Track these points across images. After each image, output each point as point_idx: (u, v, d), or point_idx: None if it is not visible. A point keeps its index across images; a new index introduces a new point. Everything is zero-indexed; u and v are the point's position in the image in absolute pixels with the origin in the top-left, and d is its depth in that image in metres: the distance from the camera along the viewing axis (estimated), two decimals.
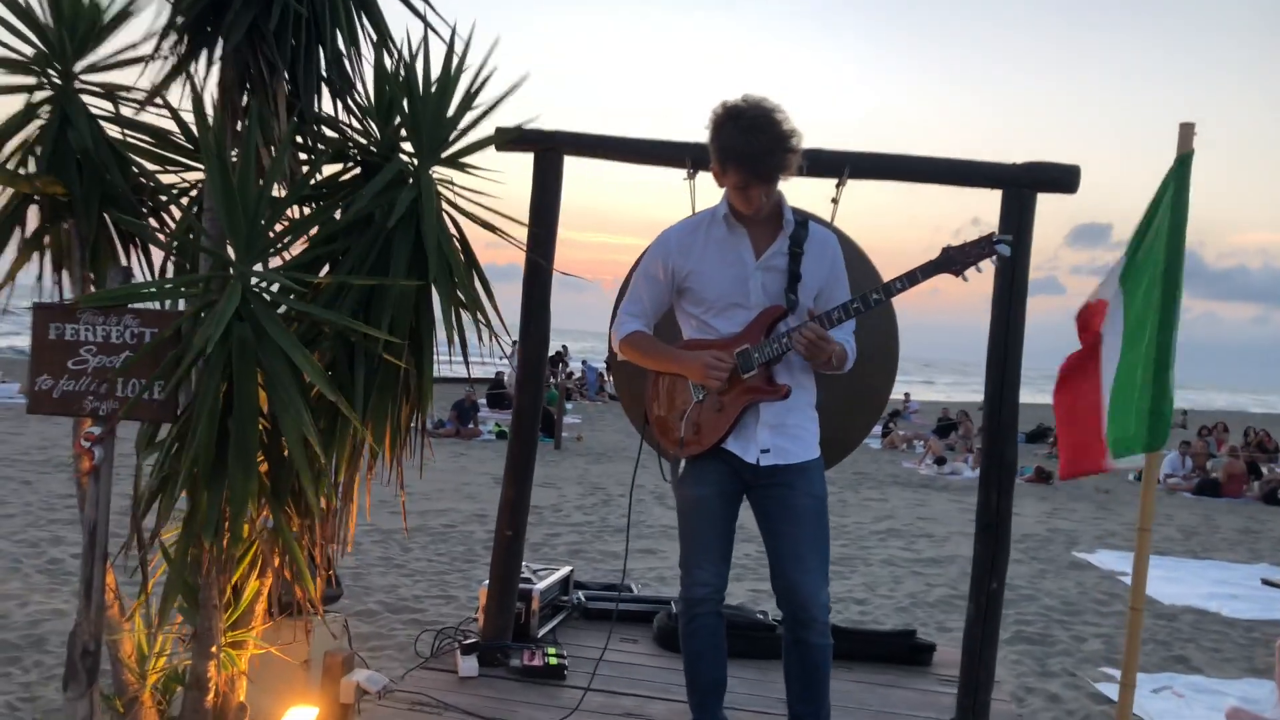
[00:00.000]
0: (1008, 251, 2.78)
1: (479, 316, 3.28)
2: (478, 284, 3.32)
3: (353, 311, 3.05)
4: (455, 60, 3.18)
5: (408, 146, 3.27)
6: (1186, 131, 3.45)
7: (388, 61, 3.34)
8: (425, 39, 3.20)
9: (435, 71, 3.24)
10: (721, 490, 2.93)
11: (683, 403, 2.95)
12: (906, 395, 26.36)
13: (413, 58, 3.20)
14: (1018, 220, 3.45)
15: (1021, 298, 3.48)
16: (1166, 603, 7.79)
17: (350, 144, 3.39)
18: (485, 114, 3.28)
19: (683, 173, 3.70)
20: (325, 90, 3.29)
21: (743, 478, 2.92)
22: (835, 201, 3.63)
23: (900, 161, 3.61)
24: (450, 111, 3.26)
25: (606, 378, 24.58)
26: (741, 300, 2.90)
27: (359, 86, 3.42)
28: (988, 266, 2.77)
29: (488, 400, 20.13)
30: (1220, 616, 7.53)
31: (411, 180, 3.21)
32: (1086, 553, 9.53)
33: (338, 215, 3.25)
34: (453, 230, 3.33)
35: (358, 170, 3.41)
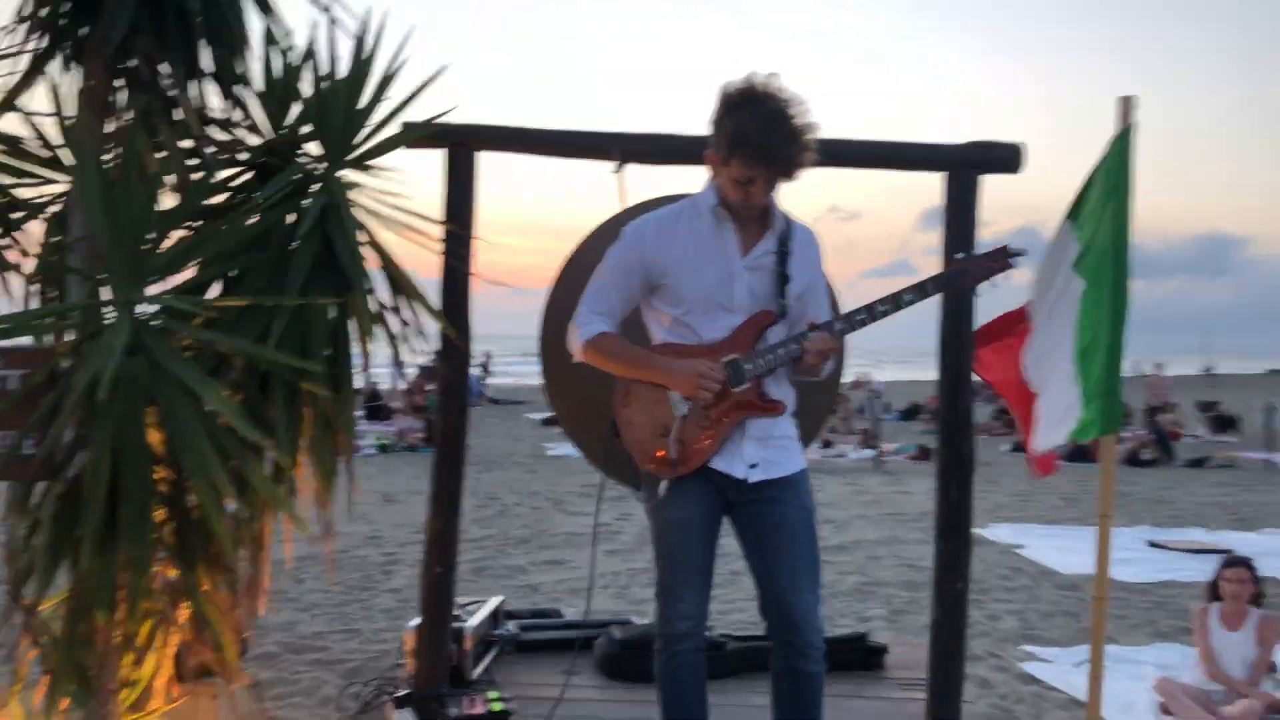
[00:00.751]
0: (1019, 266, 2.64)
1: (406, 326, 2.97)
2: (404, 294, 3.00)
3: (261, 336, 2.68)
4: (370, 45, 2.84)
5: (312, 149, 2.91)
6: (1126, 104, 3.36)
7: (280, 56, 2.98)
8: (332, 25, 2.85)
9: (344, 63, 2.90)
10: (706, 511, 2.68)
11: (664, 417, 2.65)
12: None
13: (316, 48, 2.85)
14: (962, 205, 3.31)
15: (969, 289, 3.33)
16: (1066, 572, 7.93)
17: (242, 145, 3.00)
18: (404, 105, 2.95)
19: (610, 166, 3.43)
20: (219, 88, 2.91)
21: (726, 496, 2.68)
22: None
23: (835, 146, 3.40)
24: (362, 104, 2.91)
25: (485, 381, 24.07)
26: (726, 302, 2.65)
27: (253, 81, 3.05)
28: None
29: (365, 413, 19.39)
30: (1117, 582, 7.69)
31: (319, 185, 2.85)
32: (980, 528, 9.68)
33: (227, 227, 2.86)
34: (364, 237, 2.99)
35: (249, 175, 3.02)
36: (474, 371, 25.04)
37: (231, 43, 3.00)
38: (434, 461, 3.51)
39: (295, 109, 2.99)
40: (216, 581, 2.72)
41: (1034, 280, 3.41)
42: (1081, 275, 3.38)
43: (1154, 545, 9.03)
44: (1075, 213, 3.51)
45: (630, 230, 2.73)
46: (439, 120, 3.24)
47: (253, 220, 2.79)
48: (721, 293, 2.63)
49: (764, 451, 2.64)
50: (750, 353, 2.59)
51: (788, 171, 2.50)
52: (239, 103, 3.08)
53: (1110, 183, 3.35)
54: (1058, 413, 3.47)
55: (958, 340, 3.31)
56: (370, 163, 3.04)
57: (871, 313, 2.59)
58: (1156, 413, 18.11)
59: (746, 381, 2.59)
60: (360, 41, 2.85)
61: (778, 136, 2.44)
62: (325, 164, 2.94)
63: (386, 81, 2.96)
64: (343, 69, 2.92)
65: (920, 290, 2.59)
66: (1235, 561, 5.05)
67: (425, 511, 3.51)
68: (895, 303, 2.58)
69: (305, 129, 3.00)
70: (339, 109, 2.87)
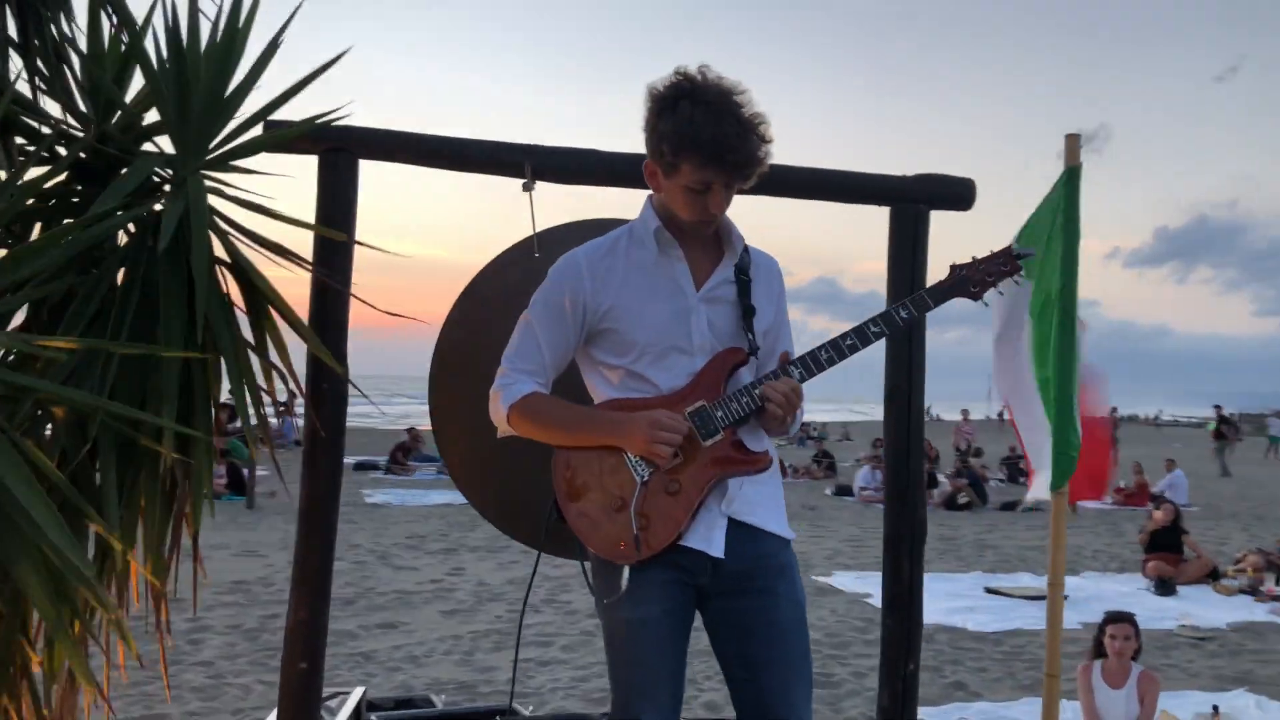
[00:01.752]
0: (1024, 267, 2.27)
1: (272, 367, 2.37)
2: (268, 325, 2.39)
3: (94, 379, 2.04)
4: (242, 17, 2.25)
5: (163, 144, 2.29)
6: (1073, 143, 3.18)
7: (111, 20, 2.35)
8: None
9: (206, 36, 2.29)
10: (676, 607, 2.14)
11: (619, 487, 2.13)
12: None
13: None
14: (911, 240, 3.00)
15: (920, 333, 3.01)
16: None
17: (59, 135, 2.35)
18: (287, 95, 2.37)
19: (518, 183, 2.94)
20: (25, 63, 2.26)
21: (698, 583, 2.17)
22: None
23: (782, 174, 3.04)
24: (230, 89, 2.31)
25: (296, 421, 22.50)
26: (682, 343, 2.17)
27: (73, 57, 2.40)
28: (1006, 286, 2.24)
29: None
30: (968, 632, 7.66)
31: (170, 187, 2.24)
32: (824, 575, 9.56)
33: (44, 239, 2.21)
34: (224, 253, 2.38)
35: (62, 176, 2.36)
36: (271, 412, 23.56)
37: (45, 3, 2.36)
38: (297, 538, 2.90)
39: (133, 91, 2.37)
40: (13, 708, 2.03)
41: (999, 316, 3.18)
42: (1030, 316, 3.19)
43: (990, 591, 9.12)
44: (1018, 241, 3.35)
45: (559, 269, 2.25)
46: (322, 119, 2.66)
47: (78, 232, 2.14)
48: (676, 332, 2.18)
49: (746, 519, 2.18)
50: (720, 398, 2.14)
51: (747, 170, 2.08)
52: (54, 80, 2.43)
53: (1057, 222, 3.16)
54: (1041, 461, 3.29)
55: (907, 390, 2.97)
56: (235, 163, 2.44)
57: (863, 337, 2.16)
58: (967, 457, 18.81)
59: (719, 432, 2.13)
60: (234, 11, 2.26)
61: (731, 129, 2.01)
62: (171, 163, 2.32)
63: (262, 63, 2.38)
64: (204, 42, 2.33)
65: (918, 304, 2.18)
66: (1118, 617, 4.98)
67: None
68: (888, 322, 2.17)
69: (150, 118, 2.38)
70: (200, 93, 2.26)
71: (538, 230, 2.98)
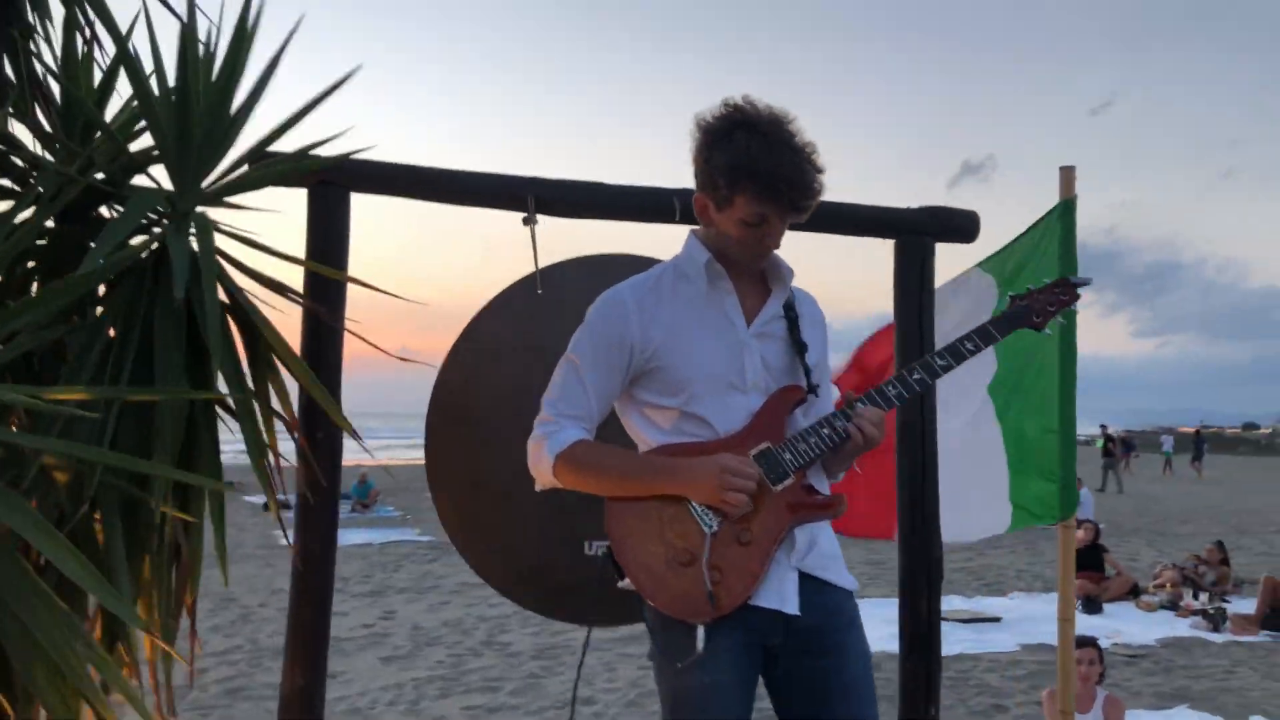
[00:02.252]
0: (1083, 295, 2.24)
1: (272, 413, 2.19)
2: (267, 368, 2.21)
3: (93, 432, 1.84)
4: (247, 28, 2.08)
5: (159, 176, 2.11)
6: (1068, 175, 3.20)
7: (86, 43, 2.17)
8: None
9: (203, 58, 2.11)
10: (747, 670, 2.00)
11: (684, 539, 1.98)
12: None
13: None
14: (919, 273, 2.96)
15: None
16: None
17: (37, 167, 2.15)
18: (289, 124, 2.19)
19: (519, 217, 2.80)
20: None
21: (767, 645, 2.03)
22: None
23: None
24: (229, 116, 2.14)
25: None
26: (737, 380, 2.06)
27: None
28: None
29: None
30: None
31: (168, 225, 2.06)
32: None
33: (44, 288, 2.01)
34: (223, 295, 2.20)
35: (30, 213, 2.15)
36: None
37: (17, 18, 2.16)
38: (291, 599, 2.70)
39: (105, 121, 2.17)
40: None
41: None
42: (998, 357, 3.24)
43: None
44: (998, 268, 3.37)
45: (603, 307, 2.10)
46: (314, 150, 2.49)
47: (77, 280, 1.94)
48: (731, 369, 2.06)
49: (818, 574, 2.06)
50: (784, 440, 2.04)
51: (805, 202, 1.99)
52: (20, 102, 2.22)
53: (1055, 252, 3.17)
54: (987, 500, 3.28)
55: (920, 423, 2.92)
56: (230, 199, 2.26)
57: (931, 371, 2.08)
58: None
59: (790, 475, 2.01)
60: (243, 22, 2.08)
61: (789, 160, 1.94)
62: (169, 199, 2.13)
63: (260, 86, 2.21)
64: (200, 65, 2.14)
65: (984, 337, 2.11)
66: (1083, 642, 5.01)
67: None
68: (956, 354, 2.10)
69: (138, 143, 2.19)
70: (201, 118, 2.08)
71: (540, 267, 2.85)
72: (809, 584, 2.04)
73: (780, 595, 2.00)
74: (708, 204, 2.05)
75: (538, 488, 2.10)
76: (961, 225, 2.99)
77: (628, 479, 2.02)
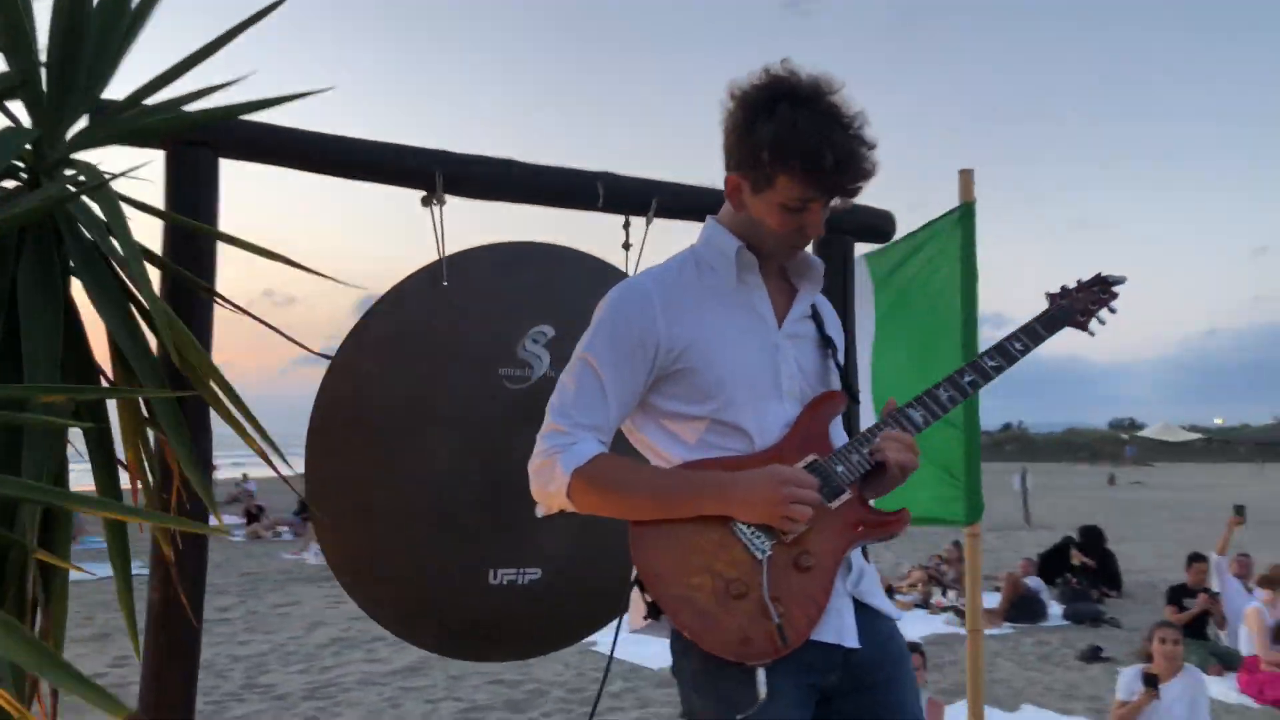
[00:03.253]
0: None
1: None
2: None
3: None
4: None
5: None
6: (966, 179, 3.18)
7: None
8: None
9: None
10: (807, 715, 1.73)
11: (732, 567, 1.67)
12: (244, 475, 22.44)
13: None
14: (841, 270, 2.83)
15: (853, 373, 2.84)
16: (656, 668, 7.73)
17: None
18: (184, 67, 1.73)
19: (418, 197, 2.41)
20: None
21: (824, 685, 1.76)
22: (627, 247, 2.67)
23: (697, 196, 2.75)
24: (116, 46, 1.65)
25: None
26: (772, 386, 1.80)
27: None
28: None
29: None
30: None
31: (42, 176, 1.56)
32: None
33: None
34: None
35: None
36: None
37: None
38: (145, 652, 2.17)
39: None
40: None
41: None
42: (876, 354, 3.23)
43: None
44: (875, 267, 3.32)
45: (621, 300, 1.78)
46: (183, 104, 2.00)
47: None
48: (765, 372, 1.80)
49: (870, 601, 1.82)
50: (833, 451, 1.79)
51: (856, 185, 1.75)
52: None
53: (956, 255, 3.14)
54: None
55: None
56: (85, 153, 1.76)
57: (983, 373, 1.89)
58: None
59: (845, 490, 1.75)
60: None
61: (840, 138, 1.69)
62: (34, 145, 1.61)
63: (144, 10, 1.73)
64: None
65: (1031, 336, 1.96)
66: (910, 648, 5.10)
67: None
68: (1006, 354, 1.93)
69: None
70: (86, 50, 1.58)
71: (446, 254, 2.46)
72: (863, 613, 1.81)
73: (839, 628, 1.74)
74: (742, 185, 1.78)
75: (543, 513, 1.75)
76: (877, 224, 2.93)
77: (662, 497, 1.70)
